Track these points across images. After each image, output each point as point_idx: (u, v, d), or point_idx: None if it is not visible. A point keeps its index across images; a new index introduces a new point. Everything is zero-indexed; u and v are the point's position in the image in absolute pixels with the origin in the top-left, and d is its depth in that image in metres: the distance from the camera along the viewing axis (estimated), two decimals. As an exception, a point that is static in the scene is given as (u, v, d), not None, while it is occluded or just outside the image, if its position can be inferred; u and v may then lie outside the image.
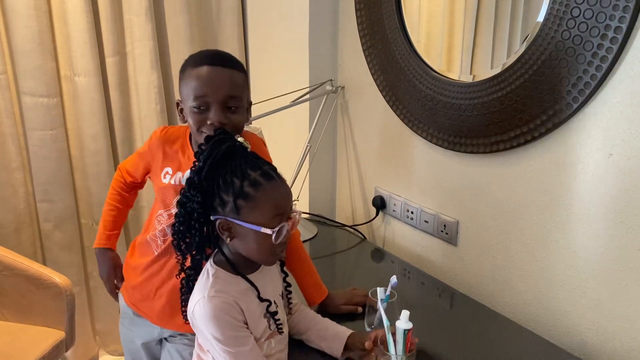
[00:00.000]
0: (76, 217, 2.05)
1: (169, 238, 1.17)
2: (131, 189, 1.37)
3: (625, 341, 1.14)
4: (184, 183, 1.15)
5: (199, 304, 0.96)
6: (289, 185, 1.05)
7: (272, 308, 1.02)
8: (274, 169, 1.00)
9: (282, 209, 0.97)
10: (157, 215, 1.21)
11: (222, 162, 0.98)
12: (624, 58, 1.05)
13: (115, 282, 1.38)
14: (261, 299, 1.01)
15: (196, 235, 1.00)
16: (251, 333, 0.99)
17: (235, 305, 0.97)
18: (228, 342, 0.95)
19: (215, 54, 1.13)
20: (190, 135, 1.22)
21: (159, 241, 1.20)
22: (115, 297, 1.40)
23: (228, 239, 0.98)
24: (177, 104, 1.17)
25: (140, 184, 1.37)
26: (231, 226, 0.97)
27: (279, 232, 0.95)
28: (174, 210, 1.16)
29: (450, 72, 1.41)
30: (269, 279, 1.08)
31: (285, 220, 0.97)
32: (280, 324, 1.04)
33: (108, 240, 1.37)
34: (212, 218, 0.99)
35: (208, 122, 1.08)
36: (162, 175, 1.19)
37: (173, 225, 1.02)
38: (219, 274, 1.00)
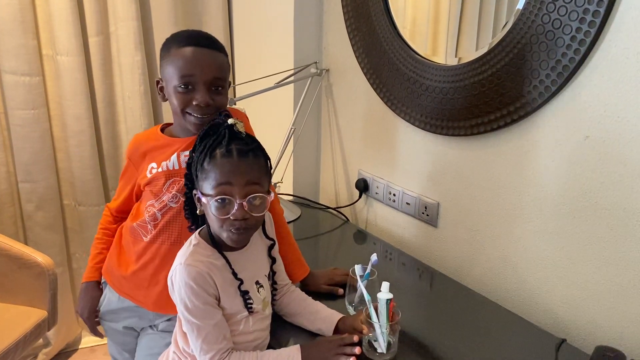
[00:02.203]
0: (58, 198, 2.04)
1: (160, 222, 1.17)
2: (118, 220, 1.32)
3: (598, 318, 1.17)
4: (171, 167, 1.15)
5: (175, 270, 0.99)
6: (272, 167, 1.06)
7: (245, 287, 1.03)
8: (246, 150, 0.98)
9: (225, 180, 0.96)
10: (147, 206, 1.19)
11: (204, 140, 1.01)
12: (601, 42, 1.07)
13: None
14: (235, 276, 1.02)
15: (187, 209, 1.07)
16: (224, 308, 1.01)
17: (208, 277, 0.98)
18: (194, 312, 0.98)
19: (200, 35, 1.14)
20: (161, 127, 1.23)
21: (149, 226, 1.18)
22: (99, 334, 1.34)
23: (200, 212, 1.03)
24: (157, 82, 1.17)
25: (129, 210, 1.30)
26: (200, 198, 1.01)
27: (217, 204, 0.96)
28: (165, 197, 1.16)
29: (434, 56, 1.42)
30: (254, 258, 1.09)
31: (234, 197, 0.96)
32: (251, 304, 1.04)
33: (96, 272, 1.31)
34: (193, 192, 1.03)
35: (194, 103, 1.09)
36: (148, 171, 1.18)
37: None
38: (200, 244, 1.03)
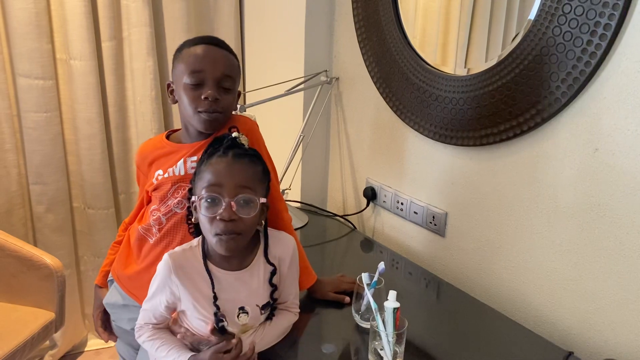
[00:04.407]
0: (68, 200, 2.05)
1: (165, 227, 1.17)
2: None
3: (606, 331, 1.17)
4: (177, 173, 1.16)
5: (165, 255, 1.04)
6: (280, 173, 1.07)
7: (223, 311, 1.02)
8: (242, 154, 1.00)
9: (216, 180, 0.97)
10: (151, 210, 1.20)
11: (208, 150, 1.03)
12: (612, 55, 1.07)
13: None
14: (215, 298, 1.01)
15: (189, 220, 1.08)
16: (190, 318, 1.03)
17: (175, 285, 1.01)
18: (150, 289, 1.05)
19: (213, 37, 1.16)
20: (167, 134, 1.23)
21: (154, 229, 1.19)
22: (102, 335, 1.35)
23: (195, 220, 1.04)
24: (168, 86, 1.18)
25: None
26: (196, 205, 1.01)
27: (206, 203, 0.96)
28: (170, 202, 1.16)
29: (444, 66, 1.43)
30: (247, 284, 1.05)
31: (223, 196, 0.96)
32: (223, 328, 1.02)
33: (102, 277, 1.34)
34: (191, 200, 1.04)
35: (202, 97, 1.09)
36: (154, 178, 1.19)
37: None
38: (196, 249, 1.05)
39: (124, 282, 1.25)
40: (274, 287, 1.08)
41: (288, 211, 1.28)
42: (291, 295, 1.15)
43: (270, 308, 1.10)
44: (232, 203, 0.95)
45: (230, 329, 1.03)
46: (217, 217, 0.96)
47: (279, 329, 1.12)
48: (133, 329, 1.26)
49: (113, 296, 1.28)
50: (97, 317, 1.34)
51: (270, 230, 1.12)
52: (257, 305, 1.06)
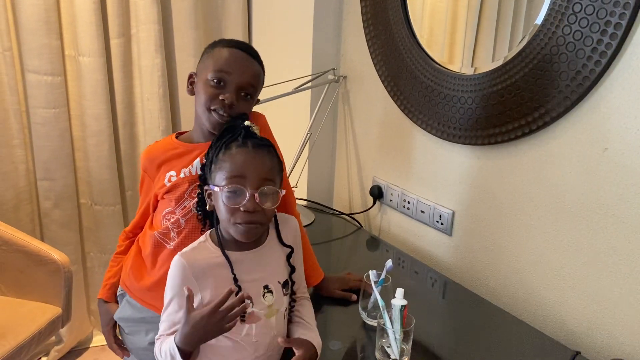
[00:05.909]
0: (75, 196, 2.06)
1: (184, 230, 1.14)
2: (134, 234, 1.29)
3: (613, 331, 1.16)
4: (194, 173, 1.14)
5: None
6: (287, 171, 1.06)
7: (246, 291, 1.00)
8: (261, 144, 1.01)
9: (239, 171, 0.97)
10: (165, 213, 1.16)
11: (221, 138, 1.03)
12: (622, 54, 1.07)
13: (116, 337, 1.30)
14: (235, 280, 1.00)
15: (199, 209, 1.09)
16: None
17: (192, 281, 0.99)
18: (165, 297, 1.02)
19: (249, 45, 1.17)
20: (176, 134, 1.21)
21: (172, 234, 1.15)
22: (117, 352, 1.31)
23: (210, 207, 1.04)
24: (190, 76, 1.17)
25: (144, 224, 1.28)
26: (211, 192, 1.02)
27: (229, 194, 0.96)
28: (187, 203, 1.14)
29: (451, 65, 1.43)
30: (267, 260, 1.07)
31: (246, 188, 0.97)
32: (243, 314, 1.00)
33: (108, 291, 1.29)
34: (205, 188, 1.04)
35: (220, 97, 1.09)
36: (167, 179, 1.15)
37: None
38: (206, 242, 1.04)
39: (138, 295, 1.20)
40: (292, 268, 1.10)
41: (296, 207, 1.28)
42: (303, 280, 1.17)
43: (290, 292, 1.10)
44: (256, 195, 0.97)
45: (257, 310, 1.02)
46: (241, 209, 0.97)
47: (313, 318, 1.13)
48: (151, 344, 1.18)
49: (126, 310, 1.22)
50: (108, 333, 1.29)
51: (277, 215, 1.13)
52: (279, 282, 1.06)
